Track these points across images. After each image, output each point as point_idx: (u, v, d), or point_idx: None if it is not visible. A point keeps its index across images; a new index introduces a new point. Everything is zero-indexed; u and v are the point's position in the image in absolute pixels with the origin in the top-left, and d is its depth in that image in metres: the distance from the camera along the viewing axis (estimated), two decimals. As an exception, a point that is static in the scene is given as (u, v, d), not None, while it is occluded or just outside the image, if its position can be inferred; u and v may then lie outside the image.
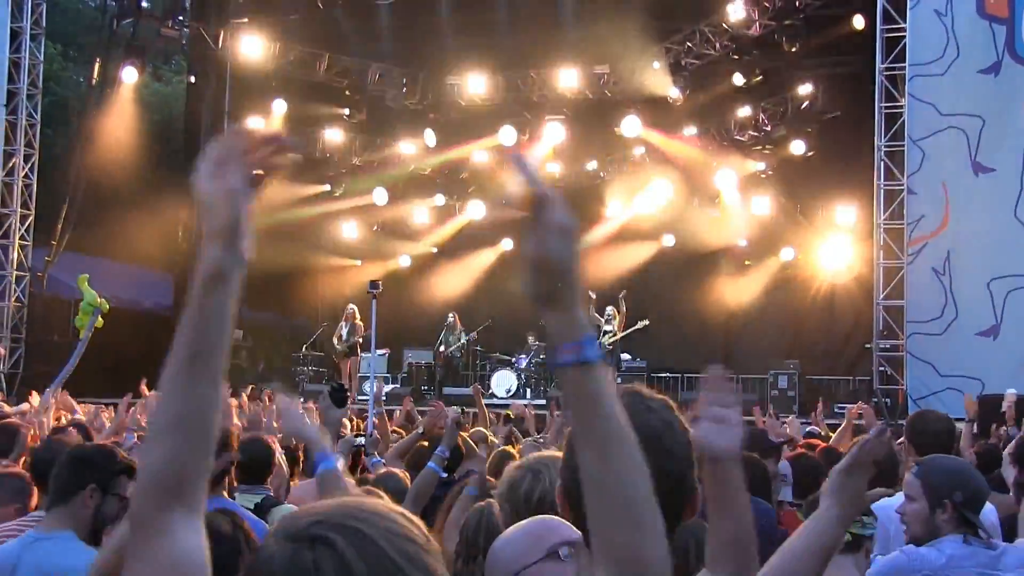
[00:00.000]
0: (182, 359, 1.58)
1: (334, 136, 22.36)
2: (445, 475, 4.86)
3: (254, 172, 1.66)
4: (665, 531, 1.79)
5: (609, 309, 18.85)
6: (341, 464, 2.89)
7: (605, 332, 18.78)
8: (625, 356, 19.29)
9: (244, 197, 1.64)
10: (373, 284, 9.23)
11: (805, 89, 18.83)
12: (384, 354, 19.39)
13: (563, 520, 2.45)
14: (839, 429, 9.41)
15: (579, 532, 2.43)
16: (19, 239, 18.93)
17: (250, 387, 17.03)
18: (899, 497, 4.02)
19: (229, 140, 1.68)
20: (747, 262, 20.95)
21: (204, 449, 1.57)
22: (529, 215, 1.55)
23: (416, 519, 1.30)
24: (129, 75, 19.86)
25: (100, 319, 12.16)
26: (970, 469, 4.16)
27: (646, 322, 18.54)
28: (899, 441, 6.73)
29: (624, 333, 18.66)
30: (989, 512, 4.69)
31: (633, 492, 1.52)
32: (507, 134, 20.93)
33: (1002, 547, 3.78)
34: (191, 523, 1.51)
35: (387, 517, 1.27)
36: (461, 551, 3.42)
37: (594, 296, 18.98)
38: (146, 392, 7.62)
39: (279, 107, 21.42)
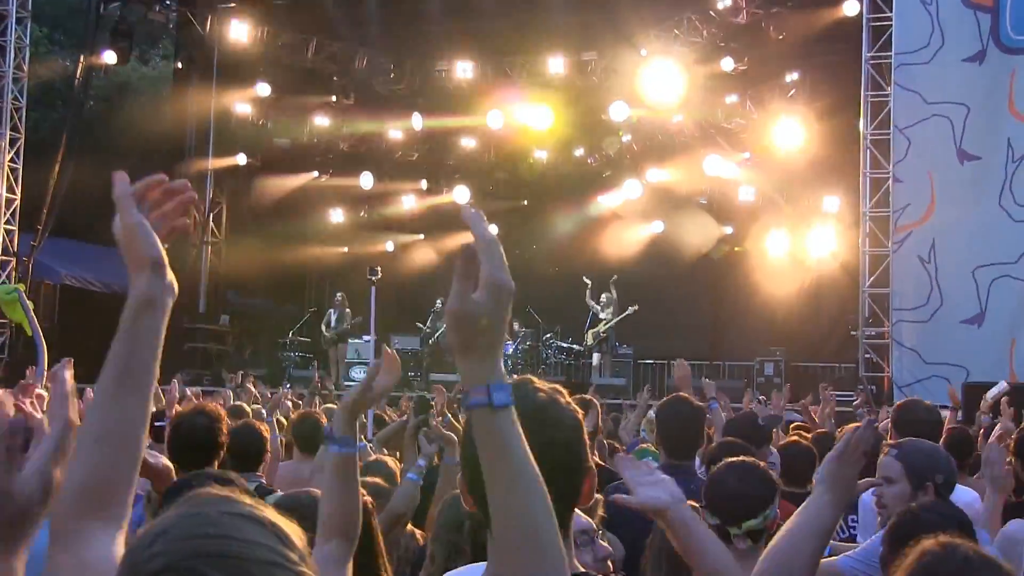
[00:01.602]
0: (112, 378, 1.65)
1: (321, 121, 22.27)
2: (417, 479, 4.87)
3: (169, 225, 1.79)
4: (567, 510, 1.86)
5: (604, 296, 18.88)
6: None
7: (600, 319, 18.81)
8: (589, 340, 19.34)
9: (156, 232, 1.75)
10: (372, 271, 9.07)
11: (792, 77, 18.85)
12: (370, 340, 19.35)
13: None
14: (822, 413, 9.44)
15: (589, 521, 2.46)
16: (4, 224, 18.80)
17: (240, 374, 16.99)
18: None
19: (119, 181, 1.78)
20: (736, 248, 20.99)
21: (128, 464, 1.63)
22: (460, 267, 1.58)
23: (275, 525, 1.22)
24: (110, 58, 19.72)
25: (29, 302, 11.84)
26: (945, 452, 4.17)
27: (635, 307, 18.57)
28: (877, 422, 6.75)
29: (616, 319, 18.68)
30: (974, 500, 4.71)
31: (539, 525, 1.57)
32: (494, 119, 20.87)
33: (976, 530, 3.79)
34: (109, 533, 1.56)
35: (239, 544, 1.17)
36: (432, 536, 3.45)
37: (589, 282, 18.99)
38: None
39: (264, 91, 21.35)
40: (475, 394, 1.57)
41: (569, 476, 1.86)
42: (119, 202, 1.74)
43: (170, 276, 1.73)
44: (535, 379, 1.95)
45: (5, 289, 11.79)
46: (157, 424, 6.17)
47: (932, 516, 3.16)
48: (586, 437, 1.92)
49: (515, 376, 2.01)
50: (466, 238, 1.61)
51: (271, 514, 1.23)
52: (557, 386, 1.96)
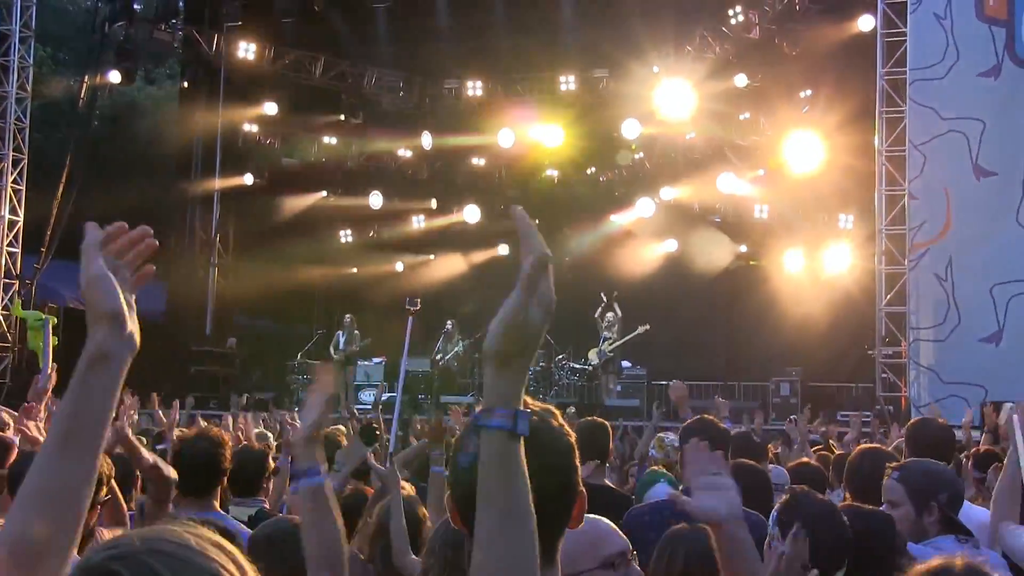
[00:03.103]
0: (59, 435, 1.61)
1: (330, 140, 22.44)
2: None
3: (134, 271, 1.78)
4: (557, 534, 1.86)
5: (610, 315, 18.88)
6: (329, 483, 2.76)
7: (606, 338, 18.82)
8: (625, 363, 19.30)
9: (122, 284, 1.72)
10: (411, 301, 8.95)
11: (806, 93, 18.94)
12: (381, 362, 19.43)
13: (612, 525, 2.51)
14: (846, 438, 9.47)
15: (627, 541, 2.49)
16: (7, 246, 18.93)
17: (244, 396, 17.05)
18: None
19: (99, 233, 1.78)
20: (752, 262, 21.00)
21: (67, 527, 1.57)
22: (530, 277, 1.57)
23: (233, 553, 1.28)
24: (115, 77, 19.90)
25: (53, 337, 11.74)
26: (949, 470, 4.18)
27: (646, 327, 18.56)
28: (893, 443, 6.78)
29: (625, 339, 18.67)
30: (988, 517, 4.73)
31: (528, 563, 1.53)
32: (505, 138, 20.99)
33: (984, 549, 3.82)
34: None
35: (191, 551, 1.24)
36: (426, 550, 3.44)
37: (605, 299, 18.95)
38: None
39: (272, 110, 21.51)
40: (499, 416, 1.53)
41: (561, 500, 1.86)
42: (85, 252, 1.73)
43: (130, 329, 1.69)
44: (528, 399, 1.91)
45: (35, 315, 11.78)
46: (157, 447, 6.28)
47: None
48: (576, 461, 1.92)
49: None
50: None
51: (231, 545, 1.29)
52: (549, 407, 1.96)
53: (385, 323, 18.38)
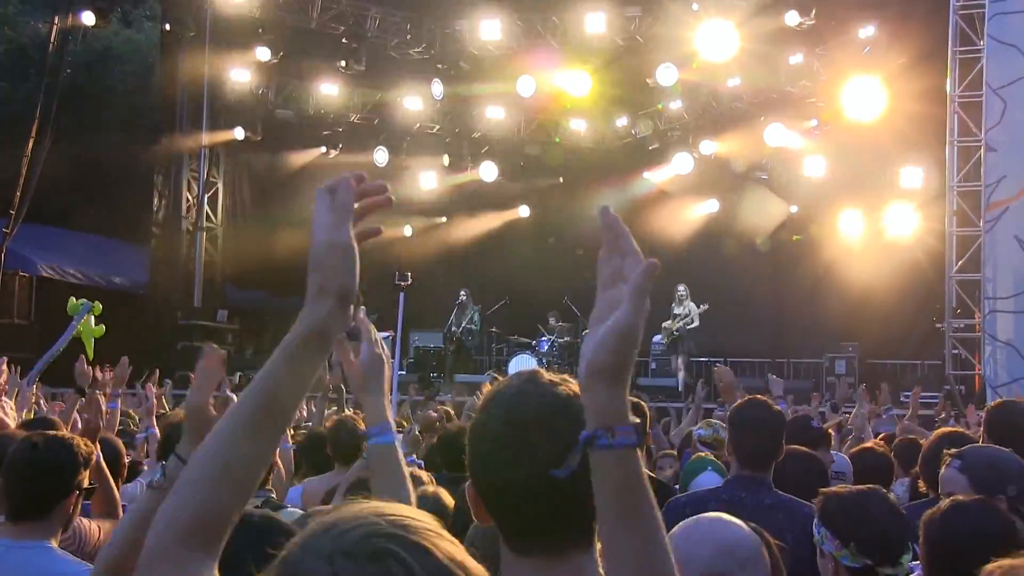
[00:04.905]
0: (254, 410, 1.70)
1: (329, 90, 22.30)
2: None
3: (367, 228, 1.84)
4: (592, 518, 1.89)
5: (681, 288, 18.75)
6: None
7: (675, 315, 18.75)
8: (656, 338, 19.21)
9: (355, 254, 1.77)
10: (402, 275, 8.86)
11: (867, 32, 18.65)
12: (388, 336, 19.37)
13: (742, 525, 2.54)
14: (904, 421, 9.36)
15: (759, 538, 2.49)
16: (-27, 208, 18.93)
17: (238, 375, 17.04)
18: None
19: (346, 188, 1.83)
20: (795, 237, 20.85)
21: (243, 501, 1.69)
22: (642, 288, 1.65)
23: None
24: (89, 19, 19.74)
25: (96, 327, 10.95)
26: (1017, 459, 4.07)
27: (705, 306, 18.49)
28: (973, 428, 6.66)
29: (689, 319, 18.59)
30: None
31: (668, 570, 1.64)
32: (525, 86, 20.82)
33: None
34: (209, 566, 1.63)
35: (430, 526, 1.28)
36: None
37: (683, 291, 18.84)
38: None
39: (264, 56, 21.36)
40: (622, 434, 1.64)
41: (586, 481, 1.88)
42: (336, 211, 1.77)
43: (350, 312, 1.76)
44: (544, 373, 1.99)
45: (73, 306, 10.89)
46: (138, 437, 6.19)
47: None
48: None
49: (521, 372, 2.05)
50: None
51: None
52: (565, 376, 1.99)
53: (392, 293, 18.33)
